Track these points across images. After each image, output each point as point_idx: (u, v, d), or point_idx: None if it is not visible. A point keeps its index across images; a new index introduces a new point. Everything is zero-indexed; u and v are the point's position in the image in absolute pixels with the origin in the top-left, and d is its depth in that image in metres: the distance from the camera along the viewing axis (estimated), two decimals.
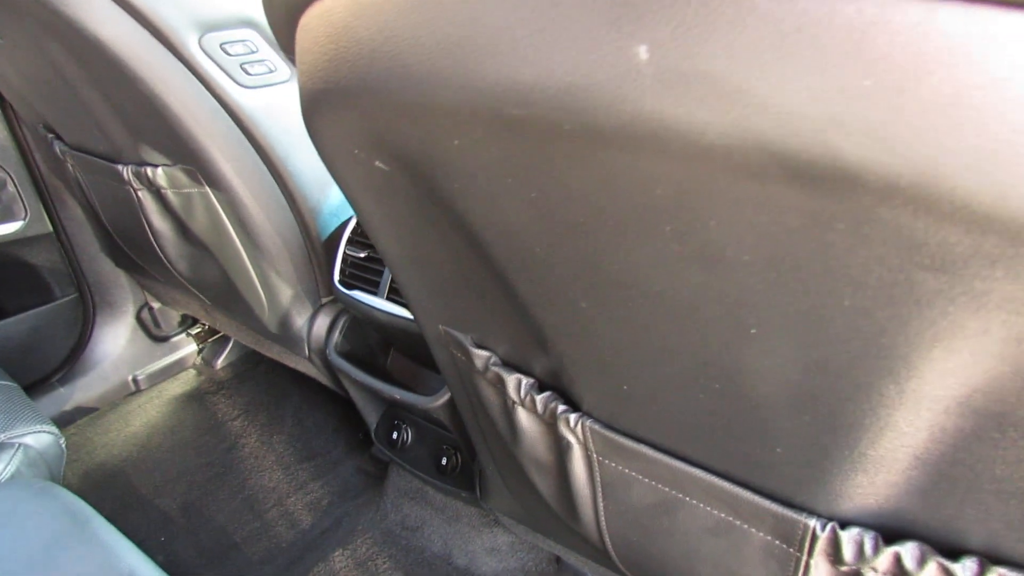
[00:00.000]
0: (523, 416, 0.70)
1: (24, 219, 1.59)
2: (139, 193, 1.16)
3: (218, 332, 1.91)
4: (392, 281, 1.02)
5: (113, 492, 1.51)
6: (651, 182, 0.34)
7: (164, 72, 0.93)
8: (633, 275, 0.41)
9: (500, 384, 0.68)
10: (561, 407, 0.63)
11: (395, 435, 1.21)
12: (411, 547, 1.26)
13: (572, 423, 0.62)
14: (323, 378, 1.31)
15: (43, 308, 1.67)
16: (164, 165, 1.08)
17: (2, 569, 0.63)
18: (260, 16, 0.98)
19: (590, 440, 0.63)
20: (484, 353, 0.68)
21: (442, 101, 0.37)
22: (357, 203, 0.59)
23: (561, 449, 0.67)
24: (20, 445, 0.89)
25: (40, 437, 0.93)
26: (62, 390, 1.72)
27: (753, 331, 0.39)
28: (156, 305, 1.83)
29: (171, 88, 0.94)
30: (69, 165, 1.31)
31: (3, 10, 0.98)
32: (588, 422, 0.61)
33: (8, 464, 0.86)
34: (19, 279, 1.63)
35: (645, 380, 0.51)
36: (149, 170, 1.10)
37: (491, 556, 1.21)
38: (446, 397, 1.02)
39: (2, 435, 0.90)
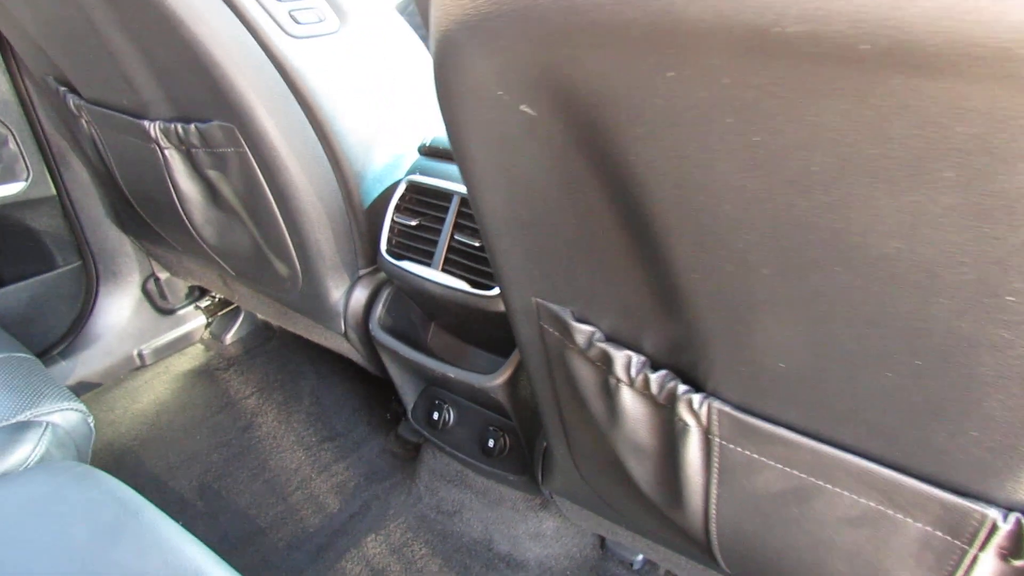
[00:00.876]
0: (628, 396, 0.64)
1: (26, 180, 1.49)
2: (166, 152, 1.07)
3: (229, 305, 1.83)
4: (448, 251, 0.95)
5: (123, 473, 1.43)
6: (953, 117, 0.28)
7: (209, 16, 0.84)
8: (863, 234, 0.35)
9: (604, 362, 0.63)
10: (682, 387, 0.58)
11: (435, 415, 1.15)
12: (449, 532, 1.20)
13: (696, 404, 0.57)
14: (356, 355, 1.23)
15: (44, 276, 1.58)
16: (198, 121, 1.00)
17: (49, 563, 0.56)
18: None
19: (715, 423, 0.58)
20: (587, 328, 0.62)
21: (664, 21, 0.30)
22: (474, 156, 0.53)
23: (673, 432, 0.62)
24: (48, 424, 0.82)
25: (67, 415, 0.85)
26: (64, 363, 1.63)
27: (1010, 299, 0.34)
28: (163, 276, 1.74)
29: (216, 35, 0.85)
30: (84, 121, 1.22)
31: None
32: (716, 403, 0.56)
33: (37, 445, 0.78)
34: (19, 245, 1.54)
35: (816, 358, 0.46)
36: (180, 127, 1.02)
37: (535, 542, 1.16)
38: (506, 375, 0.95)
39: (28, 413, 0.82)
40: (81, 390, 1.64)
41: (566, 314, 0.63)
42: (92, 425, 0.89)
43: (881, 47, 0.26)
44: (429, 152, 1.03)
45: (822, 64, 0.28)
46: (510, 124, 0.46)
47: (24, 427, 0.80)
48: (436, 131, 1.06)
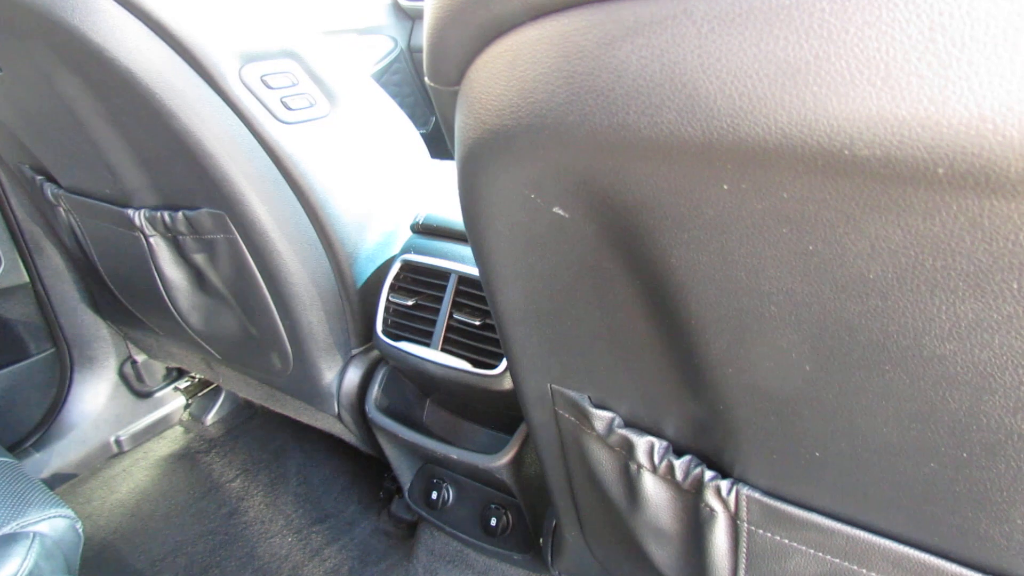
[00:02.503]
0: (650, 482, 0.63)
1: None
2: (151, 240, 1.05)
3: (209, 385, 1.78)
4: (447, 330, 0.94)
5: (103, 571, 1.36)
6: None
7: (200, 106, 0.84)
8: (916, 337, 0.35)
9: (625, 447, 0.62)
10: (708, 473, 0.57)
11: (434, 495, 1.12)
12: None
13: (724, 491, 0.56)
14: (349, 436, 1.20)
15: (17, 366, 1.53)
16: (185, 209, 0.98)
17: None
18: (302, 47, 0.90)
19: (744, 509, 0.57)
20: (606, 414, 0.62)
21: (725, 140, 0.30)
22: (495, 250, 0.52)
23: (699, 518, 0.61)
24: (35, 535, 0.77)
25: (55, 523, 0.81)
26: (38, 456, 1.57)
27: None
28: (140, 358, 1.69)
29: (207, 124, 0.85)
30: (62, 209, 1.19)
31: (9, 37, 0.88)
32: (745, 490, 0.55)
33: (25, 559, 0.73)
34: None
35: (855, 448, 0.46)
36: (167, 215, 1.00)
37: None
38: (511, 454, 0.93)
39: (14, 524, 0.77)
40: (56, 483, 1.58)
41: (584, 400, 0.62)
42: (81, 532, 0.85)
43: (958, 171, 0.26)
44: (423, 230, 1.03)
45: (891, 183, 0.28)
46: (539, 224, 0.46)
47: (10, 540, 0.76)
48: (428, 208, 1.06)
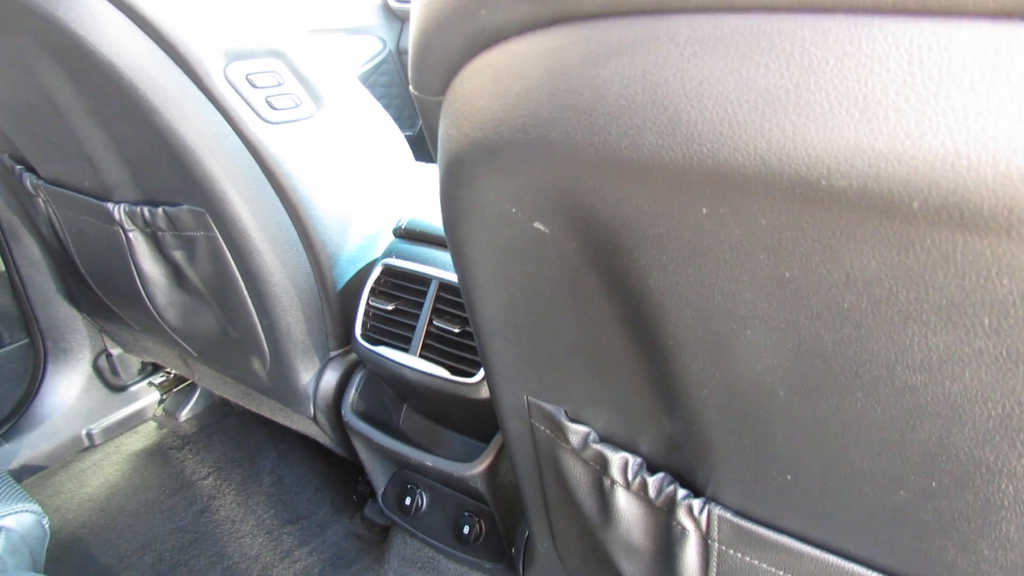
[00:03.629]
0: (623, 497, 0.63)
1: None
2: (130, 234, 1.04)
3: (184, 381, 1.76)
4: (426, 336, 0.93)
5: (70, 565, 1.34)
6: (998, 272, 0.28)
7: (184, 103, 0.83)
8: (888, 367, 0.35)
9: (599, 462, 0.62)
10: (681, 492, 0.57)
11: (407, 500, 1.11)
12: None
13: (695, 510, 0.57)
14: (324, 438, 1.19)
15: None
16: (166, 205, 0.97)
17: None
18: (288, 47, 0.90)
19: (715, 529, 0.57)
20: (582, 428, 0.62)
21: (704, 164, 0.30)
22: (475, 261, 0.52)
23: (671, 536, 0.61)
24: (1, 529, 0.76)
25: (22, 518, 0.79)
26: (7, 447, 1.54)
27: None
28: (116, 351, 1.67)
29: (190, 121, 0.84)
30: (41, 201, 1.18)
31: None
32: (717, 509, 0.56)
33: None
34: None
35: (826, 472, 0.46)
36: (147, 210, 0.99)
37: None
38: (486, 463, 0.93)
39: None
40: (25, 474, 1.55)
41: (560, 413, 0.62)
42: (47, 527, 0.84)
43: (932, 205, 0.26)
44: (405, 234, 1.02)
45: (867, 214, 0.28)
46: (519, 237, 0.46)
47: None
48: (411, 213, 1.05)
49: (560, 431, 0.63)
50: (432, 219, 1.03)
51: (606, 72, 0.31)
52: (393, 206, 1.08)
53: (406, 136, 2.62)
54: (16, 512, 0.79)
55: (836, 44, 0.26)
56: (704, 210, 0.33)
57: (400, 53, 2.44)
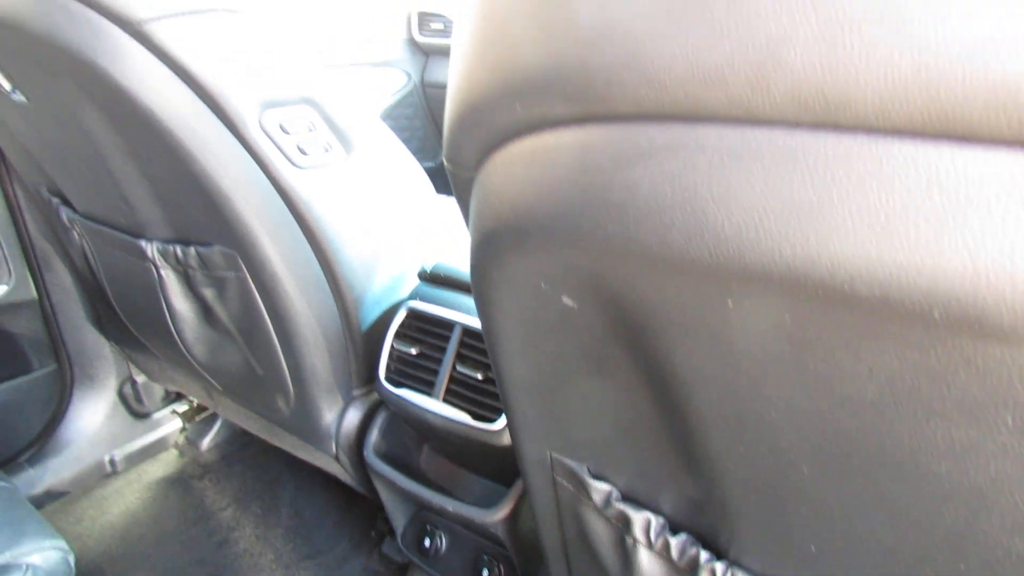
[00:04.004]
0: (645, 557, 0.64)
1: (8, 283, 1.47)
2: (162, 272, 1.06)
3: (206, 409, 1.79)
4: (450, 381, 0.95)
5: None
6: (1019, 377, 0.29)
7: (220, 150, 0.86)
8: (912, 454, 0.36)
9: (622, 521, 0.63)
10: (704, 554, 0.58)
11: (427, 541, 1.12)
12: None
13: (719, 573, 0.57)
14: (345, 476, 1.21)
15: (18, 381, 1.53)
16: (198, 245, 1.00)
17: None
18: (321, 94, 0.92)
19: None
20: (604, 487, 0.62)
21: (731, 264, 0.32)
22: (503, 328, 0.53)
23: None
24: (27, 566, 0.77)
25: (48, 555, 0.81)
26: (31, 471, 1.57)
27: None
28: (140, 379, 1.70)
29: (225, 167, 0.86)
30: (76, 234, 1.21)
31: (37, 71, 0.90)
32: (740, 574, 0.56)
33: None
34: None
35: (852, 546, 0.46)
36: (179, 249, 1.01)
37: None
38: (507, 510, 0.94)
39: (8, 554, 0.78)
40: (47, 500, 1.58)
41: (583, 471, 0.63)
42: (72, 564, 0.85)
43: (952, 315, 0.27)
44: (430, 278, 1.04)
45: (889, 318, 0.29)
46: (547, 309, 0.47)
47: (3, 570, 0.76)
48: (436, 255, 1.07)
49: (583, 488, 0.64)
50: (456, 263, 1.05)
51: (636, 172, 0.33)
52: (418, 248, 1.09)
53: (428, 167, 2.65)
54: (43, 549, 0.81)
55: (858, 162, 0.27)
56: (730, 303, 0.34)
57: (424, 86, 2.49)
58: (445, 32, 2.31)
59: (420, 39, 2.37)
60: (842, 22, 0.24)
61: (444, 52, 2.37)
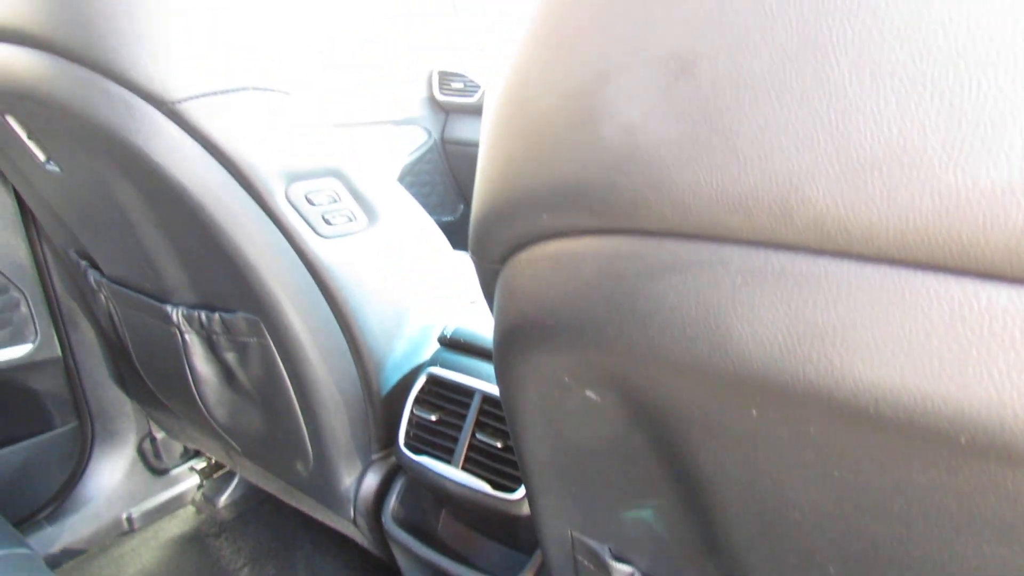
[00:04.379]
0: None
1: (34, 342, 1.49)
2: (186, 336, 1.08)
3: (224, 466, 1.79)
4: (469, 449, 0.95)
5: None
6: None
7: (247, 222, 0.88)
8: (944, 565, 0.35)
9: None
10: None
11: None
12: None
13: None
14: (362, 539, 1.20)
15: (40, 438, 1.55)
16: (222, 311, 1.01)
17: None
18: (345, 165, 0.94)
19: None
20: (626, 568, 0.62)
21: (756, 378, 0.32)
22: (528, 415, 0.53)
23: None
24: None
25: None
26: (49, 529, 1.57)
27: None
28: (160, 435, 1.71)
29: (252, 238, 0.88)
30: (103, 296, 1.23)
31: (72, 145, 0.93)
32: None
33: None
34: (19, 406, 1.51)
35: None
36: (204, 315, 1.03)
37: None
38: None
39: None
40: (64, 558, 1.58)
41: (604, 551, 0.63)
42: None
43: (979, 443, 0.27)
44: (450, 344, 1.05)
45: (915, 440, 0.29)
46: (570, 401, 0.47)
47: None
48: (456, 319, 1.08)
49: (604, 569, 0.63)
50: (476, 328, 1.05)
51: (661, 285, 0.33)
52: (438, 312, 1.10)
53: (447, 221, 2.68)
54: None
55: (880, 292, 0.27)
56: (754, 412, 0.34)
57: (444, 143, 2.53)
58: (464, 91, 2.36)
59: (440, 98, 2.42)
60: (863, 162, 0.25)
61: (463, 110, 2.42)
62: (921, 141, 0.24)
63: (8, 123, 0.98)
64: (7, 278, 1.41)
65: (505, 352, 0.48)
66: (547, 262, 0.40)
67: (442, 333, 1.06)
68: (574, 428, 0.50)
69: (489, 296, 0.50)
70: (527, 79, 0.36)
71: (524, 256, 0.42)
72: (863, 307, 0.28)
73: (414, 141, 2.46)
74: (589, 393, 0.45)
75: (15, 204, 1.36)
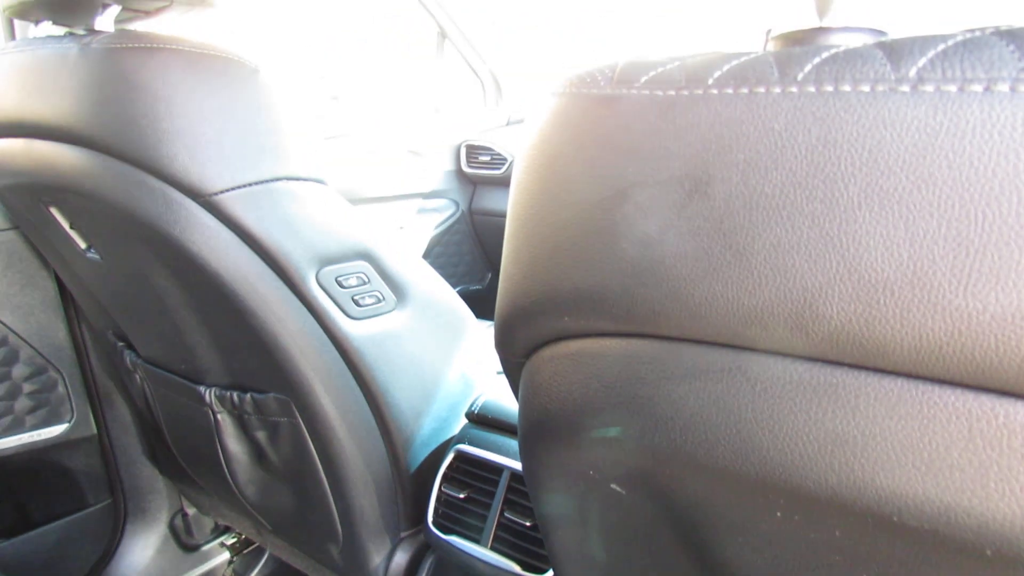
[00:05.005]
0: None
1: (70, 421, 1.52)
2: (218, 416, 1.09)
3: (254, 543, 1.78)
4: (498, 528, 0.94)
5: None
6: None
7: (279, 307, 0.90)
8: None
9: None
10: None
11: None
12: None
13: None
14: None
15: (73, 517, 1.56)
16: (254, 391, 1.03)
17: None
18: (375, 247, 0.97)
19: None
20: None
21: (781, 482, 0.32)
22: (554, 503, 0.54)
23: None
24: None
25: None
26: None
27: None
28: (191, 511, 1.71)
29: (283, 322, 0.90)
30: (138, 377, 1.26)
31: (112, 235, 0.96)
32: None
33: None
34: (54, 485, 1.53)
35: None
36: (236, 395, 1.05)
37: None
38: None
39: None
40: None
41: None
42: None
43: (1005, 555, 0.27)
44: (478, 420, 1.05)
45: (940, 548, 0.29)
46: (595, 492, 0.48)
47: None
48: (484, 394, 1.08)
49: None
50: (504, 403, 1.06)
51: (681, 390, 0.34)
52: (466, 386, 1.11)
53: (475, 290, 2.69)
54: None
55: (898, 403, 0.28)
56: (779, 514, 0.34)
57: (472, 214, 2.57)
58: (491, 164, 2.41)
59: (468, 170, 2.48)
60: (875, 283, 0.26)
61: (490, 182, 2.47)
62: (930, 266, 0.25)
63: (52, 214, 1.02)
64: (46, 359, 1.44)
65: (530, 444, 0.48)
66: (569, 360, 0.41)
67: (470, 408, 1.07)
68: (601, 519, 0.50)
69: (515, 387, 0.51)
70: (547, 190, 0.37)
71: (547, 353, 0.43)
72: (882, 418, 0.28)
73: (442, 213, 2.51)
74: (614, 486, 0.45)
75: (56, 288, 1.41)
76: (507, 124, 2.53)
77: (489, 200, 2.48)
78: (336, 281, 0.93)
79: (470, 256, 2.63)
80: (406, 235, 2.18)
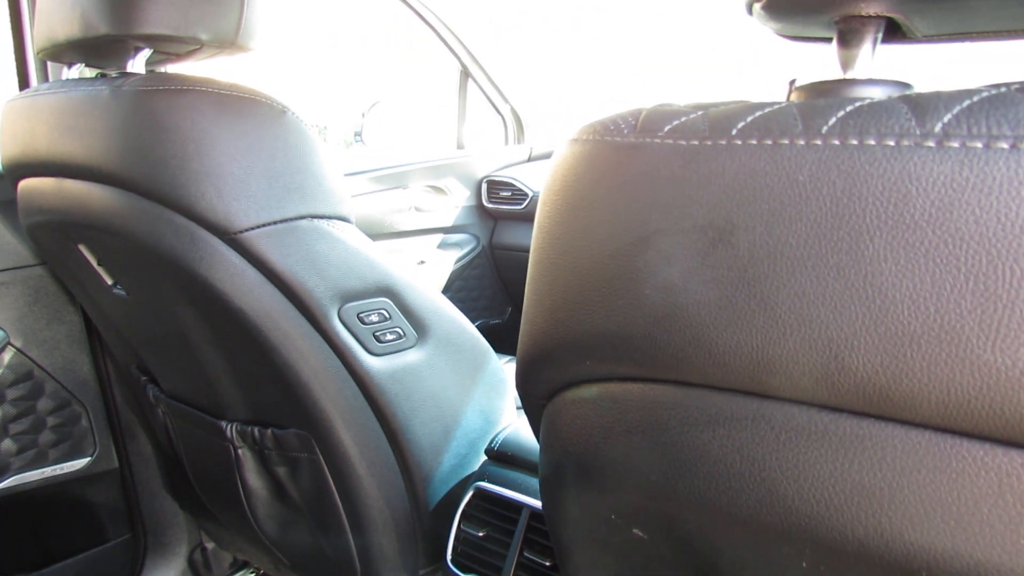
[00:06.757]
0: None
1: (92, 455, 1.53)
2: (239, 451, 1.10)
3: None
4: (517, 567, 0.93)
5: None
6: None
7: (301, 343, 0.90)
8: None
9: None
10: None
11: None
12: None
13: None
14: None
15: (93, 552, 1.56)
16: (274, 427, 1.03)
17: None
18: (397, 284, 0.97)
19: None
20: None
21: (805, 532, 0.32)
22: (575, 545, 0.53)
23: None
24: None
25: None
26: None
27: None
28: (210, 546, 1.71)
29: (305, 358, 0.91)
30: (160, 411, 1.27)
31: (138, 272, 0.98)
32: None
33: None
34: (75, 519, 1.54)
35: None
36: (256, 431, 1.05)
37: None
38: None
39: None
40: None
41: None
42: None
43: None
44: (497, 456, 1.05)
45: None
46: (617, 536, 0.47)
47: None
48: (504, 430, 1.08)
49: None
50: (524, 440, 1.05)
51: (705, 437, 0.34)
52: (486, 422, 1.11)
53: (495, 324, 2.69)
54: None
55: (927, 456, 0.27)
56: (804, 564, 0.34)
57: (492, 248, 2.58)
58: (512, 199, 2.43)
59: (488, 205, 2.49)
60: (902, 336, 0.26)
61: (511, 217, 2.48)
62: (958, 320, 0.25)
63: (81, 251, 1.04)
64: (70, 393, 1.46)
65: (551, 486, 0.48)
66: (590, 404, 0.41)
67: (489, 445, 1.06)
68: (622, 563, 0.50)
69: (536, 428, 0.51)
70: (570, 235, 0.38)
71: (569, 396, 0.43)
72: (909, 471, 0.28)
73: (463, 247, 2.53)
74: (636, 531, 0.45)
75: (82, 322, 1.43)
76: (528, 159, 2.54)
77: (510, 235, 2.49)
78: (358, 318, 0.94)
79: (490, 290, 2.63)
80: (427, 269, 2.19)
